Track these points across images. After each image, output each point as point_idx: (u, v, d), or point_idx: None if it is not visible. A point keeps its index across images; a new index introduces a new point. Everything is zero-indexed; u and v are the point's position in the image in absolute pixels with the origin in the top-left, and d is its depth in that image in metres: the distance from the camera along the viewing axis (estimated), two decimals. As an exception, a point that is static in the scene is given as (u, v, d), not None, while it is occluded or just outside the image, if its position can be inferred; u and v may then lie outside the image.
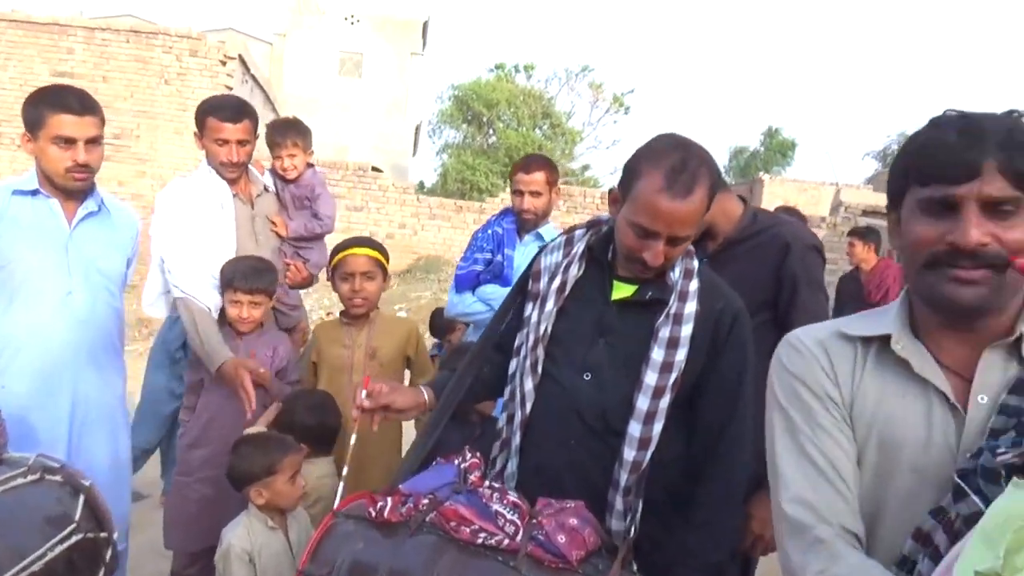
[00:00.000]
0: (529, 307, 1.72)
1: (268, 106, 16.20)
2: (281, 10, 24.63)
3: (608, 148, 35.07)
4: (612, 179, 31.97)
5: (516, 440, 1.67)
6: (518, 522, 1.38)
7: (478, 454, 1.64)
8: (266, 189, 2.99)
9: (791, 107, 76.23)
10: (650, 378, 1.54)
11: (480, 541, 1.35)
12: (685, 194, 1.47)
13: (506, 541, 1.35)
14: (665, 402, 1.54)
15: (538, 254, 1.78)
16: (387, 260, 2.73)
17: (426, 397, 1.77)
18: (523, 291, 1.77)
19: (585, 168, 28.02)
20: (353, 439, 1.68)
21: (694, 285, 1.60)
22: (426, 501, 1.45)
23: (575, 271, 1.66)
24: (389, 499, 1.46)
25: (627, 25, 77.43)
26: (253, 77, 13.89)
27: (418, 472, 1.65)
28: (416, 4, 25.17)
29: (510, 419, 1.70)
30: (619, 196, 1.58)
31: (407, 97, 24.70)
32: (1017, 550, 0.73)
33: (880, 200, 14.82)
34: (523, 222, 3.09)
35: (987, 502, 0.90)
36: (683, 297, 1.58)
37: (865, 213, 14.03)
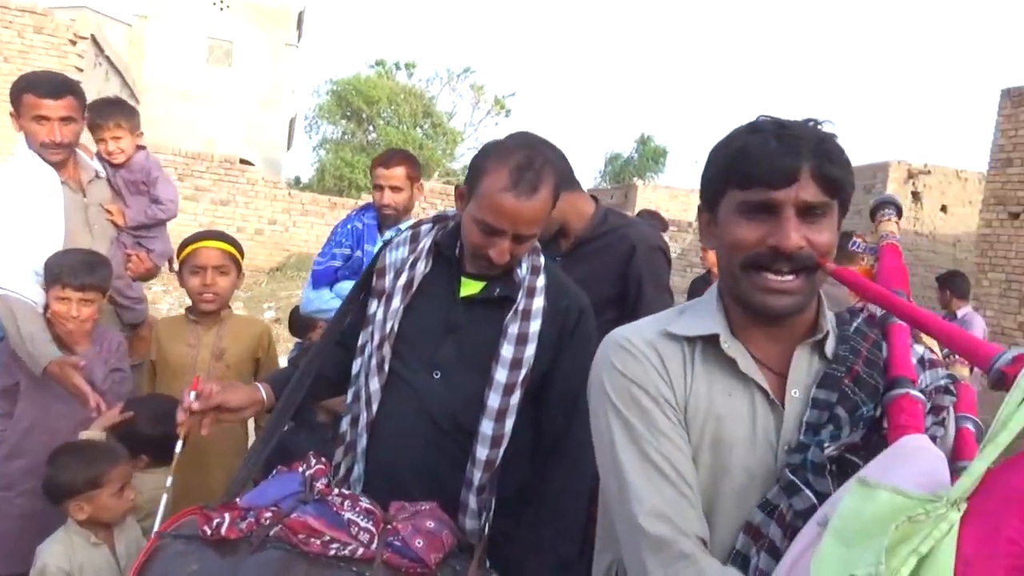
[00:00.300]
0: (374, 304, 1.66)
1: (126, 91, 15.13)
2: (142, -10, 23.05)
3: (489, 150, 35.14)
4: (492, 180, 32.21)
5: (362, 442, 1.61)
6: (372, 529, 1.32)
7: (323, 459, 1.56)
8: (98, 175, 2.71)
9: (663, 115, 79.86)
10: (500, 375, 1.54)
11: (332, 552, 1.28)
12: (530, 193, 1.48)
13: (360, 550, 1.28)
14: (516, 399, 1.54)
15: (382, 249, 1.73)
16: (241, 255, 2.59)
17: (263, 395, 1.66)
18: (367, 287, 1.71)
19: (466, 168, 28.05)
20: (179, 447, 1.55)
21: (541, 281, 1.61)
22: (269, 514, 1.34)
23: (422, 267, 1.63)
24: (226, 514, 1.34)
25: (509, 29, 78.43)
26: (108, 60, 12.92)
27: (258, 479, 1.55)
28: (291, -7, 24.26)
29: (354, 421, 1.64)
30: (465, 193, 1.57)
31: (281, 89, 23.70)
32: (893, 553, 0.73)
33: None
34: (384, 218, 3.03)
35: (818, 496, 0.93)
36: (531, 293, 1.59)
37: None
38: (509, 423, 1.54)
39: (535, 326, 1.56)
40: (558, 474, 1.59)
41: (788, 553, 0.88)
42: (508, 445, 1.54)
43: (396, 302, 1.61)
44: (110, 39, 13.87)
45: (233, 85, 22.87)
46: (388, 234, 3.01)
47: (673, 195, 20.48)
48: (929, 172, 14.32)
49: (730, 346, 1.08)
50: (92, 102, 2.84)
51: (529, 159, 1.49)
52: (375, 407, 1.59)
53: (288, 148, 25.56)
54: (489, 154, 1.54)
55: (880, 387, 1.03)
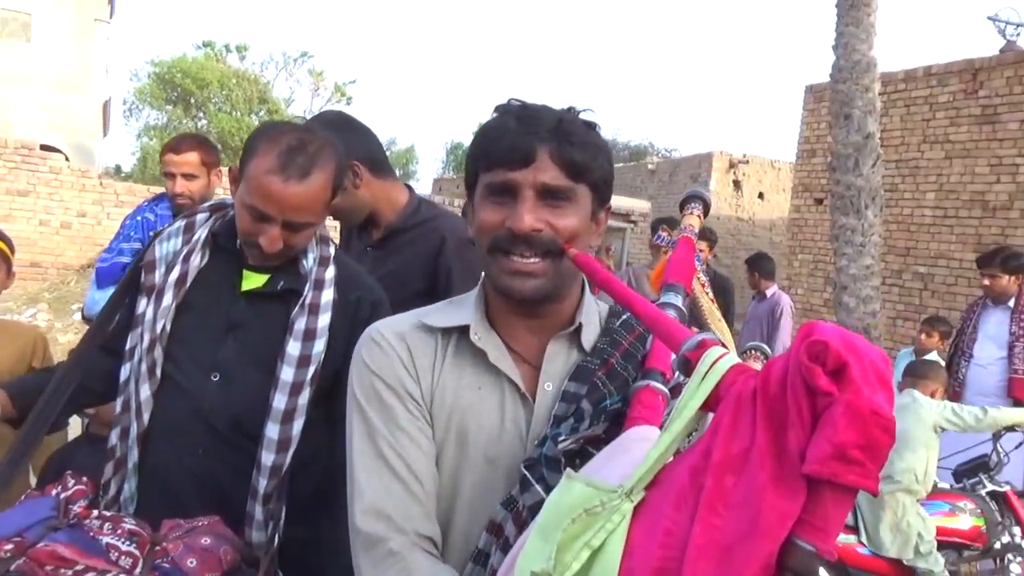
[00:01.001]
0: (143, 303, 1.50)
1: None
2: (-84, -49, 20.07)
3: (330, 138, 34.29)
4: (335, 170, 31.45)
5: (134, 456, 1.47)
6: (136, 552, 1.21)
7: (85, 479, 1.37)
8: None
9: (500, 101, 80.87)
10: (287, 374, 1.44)
11: None
12: (300, 177, 1.39)
13: None
14: (304, 398, 1.44)
15: (151, 242, 1.57)
16: (11, 252, 2.30)
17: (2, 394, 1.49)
18: (134, 284, 1.55)
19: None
20: None
21: (330, 273, 1.52)
22: (10, 547, 1.16)
23: (197, 260, 1.50)
24: None
25: (348, 12, 76.23)
26: None
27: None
28: (101, -36, 22.07)
29: (124, 434, 1.49)
30: (238, 175, 1.47)
31: (90, 69, 21.50)
32: (566, 547, 0.71)
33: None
34: (178, 208, 2.76)
35: (550, 491, 0.91)
36: (319, 286, 1.50)
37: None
38: (297, 425, 1.44)
39: (324, 320, 1.47)
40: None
41: (511, 551, 0.86)
42: (299, 448, 1.44)
43: (167, 299, 1.47)
44: None
45: (33, 63, 20.49)
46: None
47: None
48: (747, 162, 15.51)
49: (481, 337, 1.06)
50: None
51: (302, 141, 1.40)
52: (146, 417, 1.45)
53: (105, 135, 23.32)
54: (261, 135, 1.44)
55: (632, 380, 1.03)
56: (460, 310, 1.10)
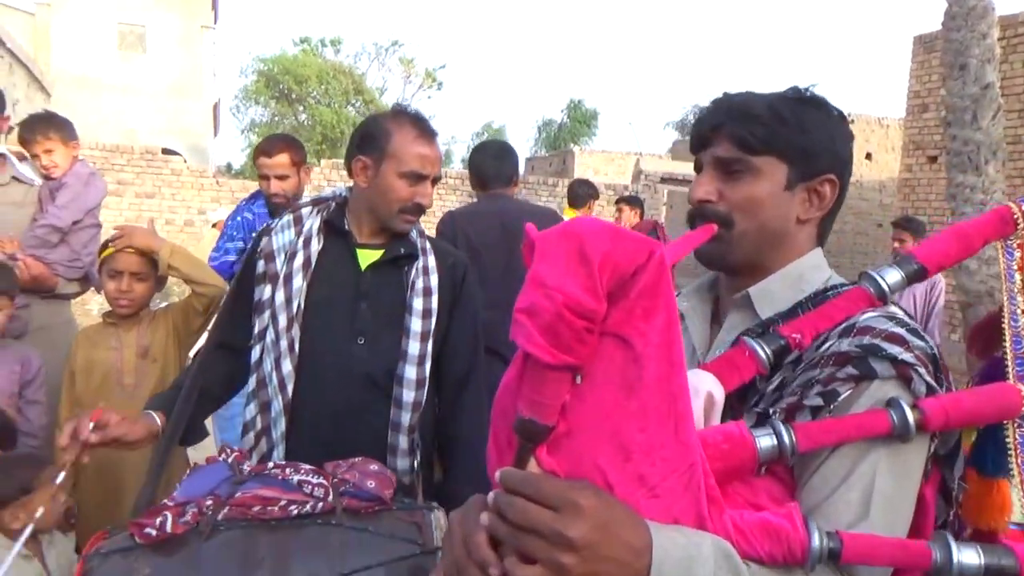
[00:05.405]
0: (268, 290, 1.68)
1: (35, 85, 14.38)
2: (43, -24, 21.75)
3: (424, 124, 34.80)
4: (429, 155, 31.80)
5: (280, 427, 1.64)
6: (325, 483, 1.36)
7: (236, 448, 1.54)
8: (17, 180, 2.64)
9: (593, 79, 79.91)
10: (416, 324, 1.67)
11: (296, 513, 1.30)
12: (435, 136, 1.72)
13: (320, 504, 1.32)
14: (430, 346, 1.69)
15: (260, 236, 1.76)
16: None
17: (159, 423, 1.62)
18: (247, 278, 1.73)
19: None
20: (60, 477, 1.47)
21: (428, 243, 1.78)
22: (210, 502, 1.32)
23: (316, 245, 1.69)
24: (167, 513, 1.29)
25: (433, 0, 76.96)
26: (12, 53, 12.23)
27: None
28: (203, -27, 23.21)
29: (264, 408, 1.66)
30: (369, 163, 1.69)
31: (200, 73, 22.76)
32: None
33: (675, 168, 15.98)
34: (274, 206, 2.97)
35: None
36: (424, 252, 1.75)
37: (663, 180, 15.03)
38: (427, 367, 1.67)
39: (434, 280, 1.71)
40: (466, 416, 1.76)
41: None
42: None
43: (298, 281, 1.65)
44: (11, 31, 13.12)
45: (149, 72, 21.90)
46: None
47: (610, 159, 20.60)
48: (853, 120, 14.72)
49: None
50: (23, 120, 2.78)
51: (418, 112, 1.76)
52: (290, 388, 1.63)
53: (215, 135, 24.68)
54: (379, 121, 1.71)
55: None
56: None
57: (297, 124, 26.05)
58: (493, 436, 0.82)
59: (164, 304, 2.92)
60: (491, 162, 3.15)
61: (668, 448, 0.73)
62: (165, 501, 1.37)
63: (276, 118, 26.82)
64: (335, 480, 1.37)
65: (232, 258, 2.96)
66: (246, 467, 1.45)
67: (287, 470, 1.39)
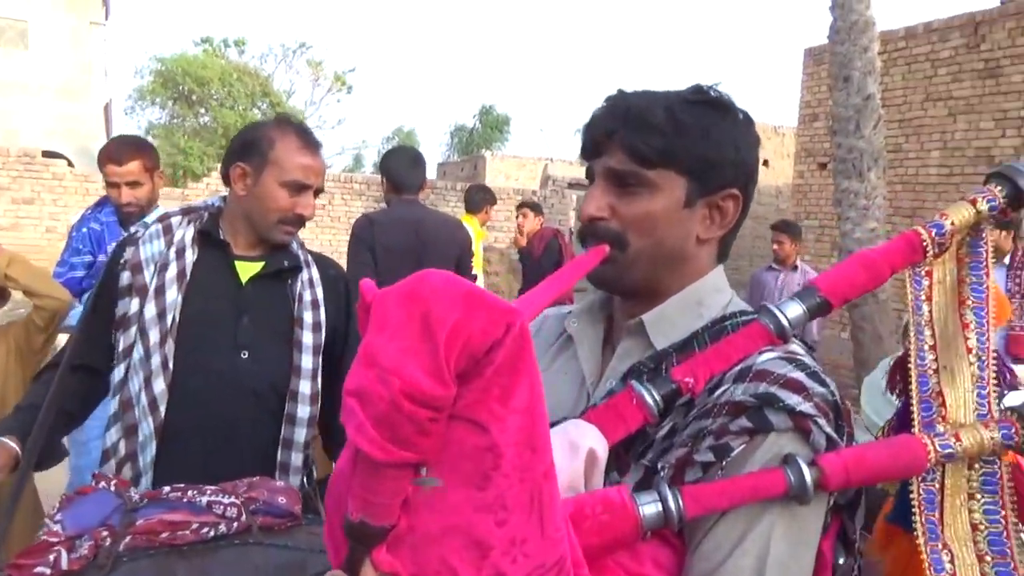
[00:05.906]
0: (135, 303, 1.56)
1: None
2: (-91, -36, 20.03)
3: (334, 128, 34.60)
4: (341, 159, 31.31)
5: (150, 452, 1.53)
6: (236, 503, 1.27)
7: (113, 475, 1.43)
8: None
9: (504, 84, 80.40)
10: (307, 338, 1.62)
11: (211, 536, 1.20)
12: (319, 148, 1.66)
13: (235, 524, 1.24)
14: (321, 359, 1.64)
15: (123, 246, 1.66)
16: None
17: (15, 448, 1.52)
18: (107, 291, 1.61)
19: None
20: None
21: (308, 254, 1.72)
22: (105, 533, 1.18)
23: (191, 256, 1.61)
24: (59, 548, 1.15)
25: (343, 2, 75.67)
26: None
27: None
28: (93, -34, 21.95)
29: (129, 432, 1.54)
30: (249, 169, 1.61)
31: (90, 73, 21.50)
32: None
33: (584, 173, 16.16)
34: (126, 216, 2.74)
35: None
36: (307, 264, 1.70)
37: (571, 185, 15.20)
38: (319, 381, 1.63)
39: (319, 292, 1.68)
40: None
41: None
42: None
43: (172, 294, 1.56)
44: None
45: (32, 70, 20.52)
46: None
47: (521, 164, 20.66)
48: (752, 129, 15.26)
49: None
50: None
51: (302, 123, 1.73)
52: (163, 410, 1.52)
53: (107, 137, 23.40)
54: (262, 128, 1.65)
55: None
56: None
57: (199, 126, 25.02)
58: (328, 527, 0.70)
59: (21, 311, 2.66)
60: (406, 168, 3.30)
61: (531, 543, 0.63)
62: (44, 537, 1.20)
63: (175, 120, 25.71)
64: (243, 499, 1.29)
65: (80, 273, 2.72)
66: (134, 494, 1.31)
67: (190, 492, 1.28)
